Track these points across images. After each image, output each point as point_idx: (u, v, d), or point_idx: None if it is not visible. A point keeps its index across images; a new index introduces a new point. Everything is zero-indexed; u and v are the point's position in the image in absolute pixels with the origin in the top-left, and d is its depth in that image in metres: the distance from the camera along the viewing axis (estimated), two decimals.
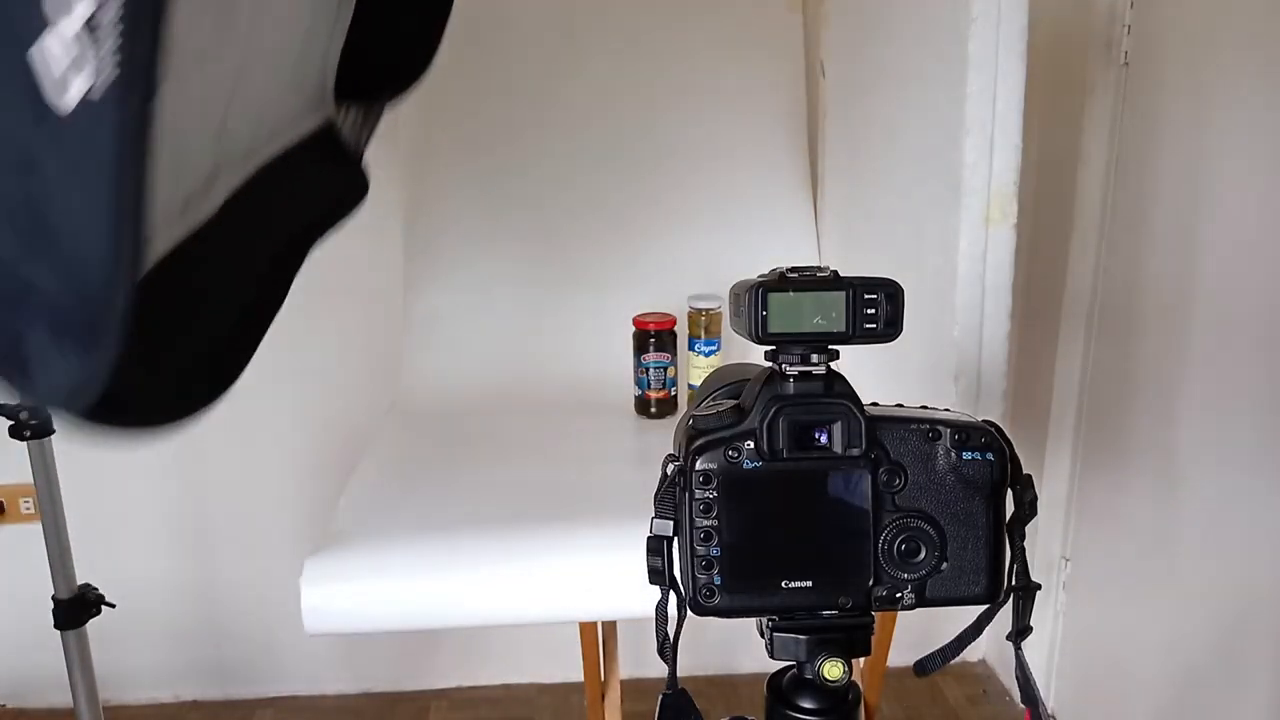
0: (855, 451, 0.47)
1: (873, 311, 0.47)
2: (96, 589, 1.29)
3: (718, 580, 0.48)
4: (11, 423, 1.21)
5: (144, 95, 0.40)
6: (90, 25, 0.39)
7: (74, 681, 1.27)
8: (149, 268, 0.49)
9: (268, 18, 0.70)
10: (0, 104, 0.43)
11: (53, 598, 1.26)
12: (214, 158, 0.65)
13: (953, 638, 0.55)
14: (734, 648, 1.78)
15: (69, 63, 0.40)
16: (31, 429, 1.20)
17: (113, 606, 1.30)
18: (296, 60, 0.78)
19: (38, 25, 0.40)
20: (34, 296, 0.47)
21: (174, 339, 0.57)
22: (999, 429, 0.49)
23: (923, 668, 0.56)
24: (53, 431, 1.23)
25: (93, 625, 1.29)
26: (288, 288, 0.74)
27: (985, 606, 0.51)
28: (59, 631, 1.26)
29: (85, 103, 0.41)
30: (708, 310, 1.24)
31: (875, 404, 0.50)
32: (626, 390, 1.26)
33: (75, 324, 0.47)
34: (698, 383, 1.24)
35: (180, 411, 0.59)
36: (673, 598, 0.49)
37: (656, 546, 0.49)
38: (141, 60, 0.40)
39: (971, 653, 1.85)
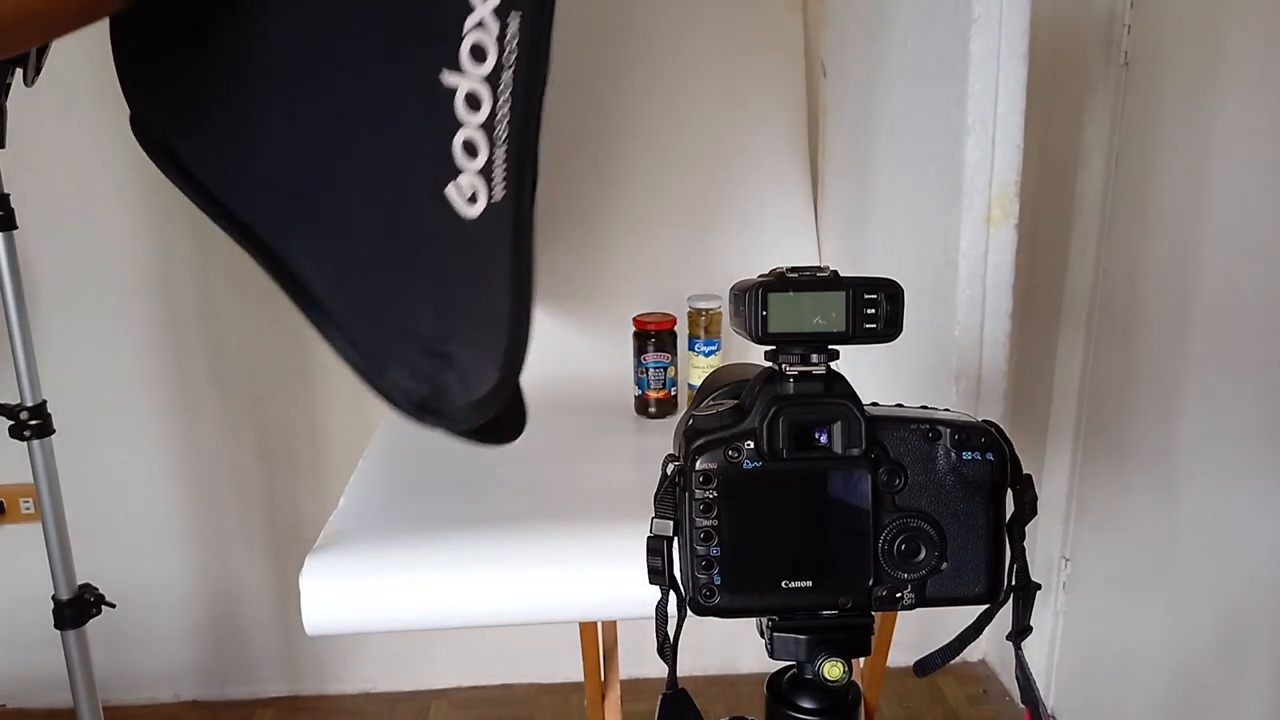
0: (855, 451, 0.47)
1: (873, 311, 0.47)
2: (97, 589, 1.29)
3: (718, 580, 0.48)
4: (12, 423, 1.21)
5: (528, 188, 0.66)
6: (484, 170, 0.65)
7: (74, 682, 1.27)
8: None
9: None
10: (430, 238, 0.66)
11: (53, 598, 1.26)
12: None
13: (953, 638, 0.55)
14: (734, 648, 1.78)
15: (471, 191, 0.65)
16: (32, 429, 1.20)
17: (113, 606, 1.30)
18: None
19: (452, 172, 0.64)
20: (449, 359, 0.68)
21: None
22: (999, 429, 0.49)
23: (923, 668, 0.56)
24: (53, 431, 1.23)
25: (93, 625, 1.29)
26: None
27: (985, 606, 0.51)
28: (59, 631, 1.26)
29: (490, 208, 0.65)
30: (708, 310, 1.24)
31: (875, 404, 0.50)
32: (626, 390, 1.26)
33: (484, 357, 0.68)
34: (698, 383, 1.24)
35: (516, 433, 0.78)
36: (673, 598, 0.49)
37: (656, 546, 0.49)
38: (525, 175, 0.65)
39: (971, 653, 1.85)
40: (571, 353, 1.36)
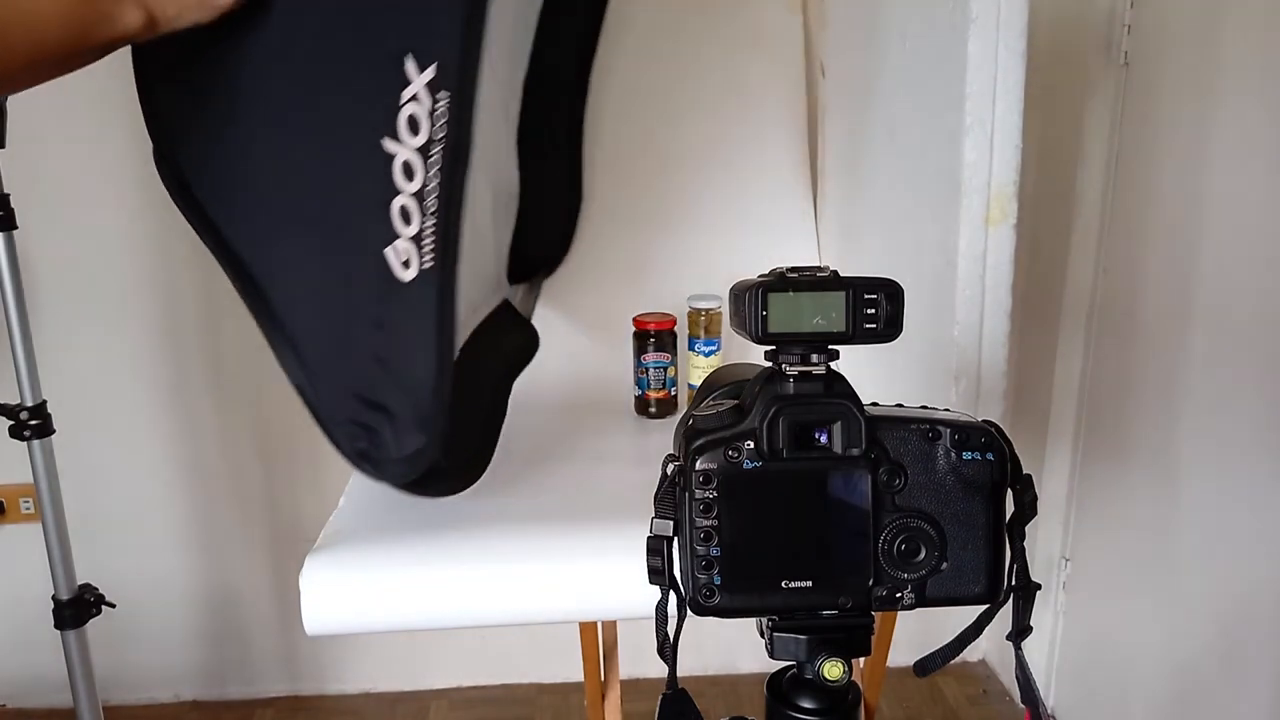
0: (855, 451, 0.47)
1: (873, 311, 0.47)
2: (97, 589, 1.29)
3: (718, 580, 0.48)
4: (12, 423, 1.21)
5: (451, 263, 0.71)
6: (415, 238, 0.72)
7: (74, 682, 1.27)
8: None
9: (478, 241, 1.06)
10: (368, 283, 0.73)
11: (53, 598, 1.26)
12: (465, 311, 0.95)
13: (953, 638, 0.55)
14: (734, 648, 1.78)
15: (405, 256, 0.72)
16: (32, 429, 1.20)
17: (112, 606, 1.30)
18: (489, 260, 1.16)
19: (391, 236, 0.72)
20: (386, 412, 0.77)
21: (463, 422, 0.81)
22: (999, 429, 0.49)
23: (923, 668, 0.56)
24: (53, 431, 1.23)
25: (93, 625, 1.29)
26: (507, 399, 1.03)
27: (985, 606, 0.51)
28: (59, 631, 1.26)
29: (420, 275, 0.72)
30: (708, 310, 1.24)
31: (875, 404, 0.50)
32: (626, 390, 1.26)
33: (414, 420, 0.76)
34: (698, 383, 1.24)
35: (470, 477, 0.87)
36: (673, 598, 0.49)
37: (656, 546, 0.49)
38: (449, 249, 0.71)
39: (971, 653, 1.85)
40: (571, 353, 1.36)
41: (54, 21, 0.68)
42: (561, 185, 1.36)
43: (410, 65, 0.69)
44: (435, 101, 0.70)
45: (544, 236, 1.35)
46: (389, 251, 0.72)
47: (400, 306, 0.74)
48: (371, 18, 0.72)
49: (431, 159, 0.70)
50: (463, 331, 0.98)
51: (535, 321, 1.37)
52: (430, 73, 0.69)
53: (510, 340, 1.14)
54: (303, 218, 0.79)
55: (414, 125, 0.70)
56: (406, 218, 0.71)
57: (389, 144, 0.71)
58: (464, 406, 0.85)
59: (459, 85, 0.70)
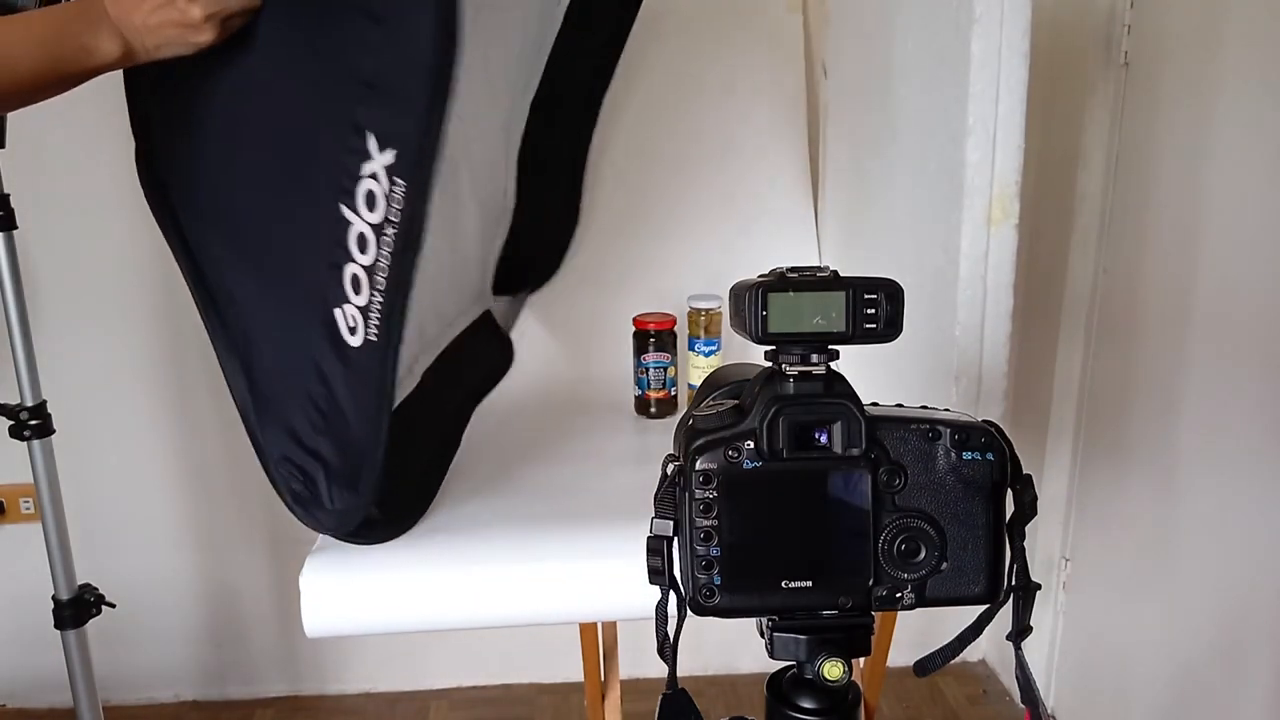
0: (855, 451, 0.47)
1: (873, 311, 0.47)
2: (97, 589, 1.29)
3: (718, 580, 0.48)
4: (12, 423, 1.21)
5: (394, 344, 0.72)
6: (363, 309, 0.73)
7: (74, 681, 1.27)
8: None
9: (459, 256, 1.12)
10: (316, 335, 0.75)
11: (53, 598, 1.26)
12: (417, 350, 1.00)
13: (953, 638, 0.55)
14: (734, 648, 1.78)
15: (353, 323, 0.73)
16: (32, 429, 1.20)
17: (112, 606, 1.30)
18: (472, 273, 1.18)
19: (341, 298, 0.73)
20: (321, 460, 0.79)
21: (400, 477, 0.82)
22: (999, 429, 0.49)
23: (923, 668, 0.56)
24: (53, 431, 1.23)
25: (93, 625, 1.29)
26: (464, 428, 1.06)
27: (985, 606, 0.51)
28: (59, 631, 1.26)
29: (365, 344, 0.73)
30: (708, 310, 1.24)
31: (875, 404, 0.50)
32: (626, 390, 1.26)
33: (347, 477, 0.78)
34: (698, 383, 1.24)
35: (406, 525, 0.87)
36: (673, 598, 0.49)
37: (656, 546, 0.49)
38: (392, 329, 0.72)
39: (971, 653, 1.85)
40: (571, 353, 1.36)
41: (30, 54, 0.69)
42: (559, 205, 1.35)
43: (372, 143, 0.70)
44: (393, 186, 0.70)
45: (536, 253, 1.34)
46: (338, 312, 0.74)
47: (343, 368, 0.75)
48: (344, 85, 0.71)
49: (384, 239, 0.71)
50: (431, 351, 1.05)
51: (536, 320, 1.37)
52: (388, 157, 0.69)
53: (479, 364, 1.15)
54: (266, 253, 0.80)
55: (371, 201, 0.71)
56: (357, 287, 0.73)
57: (347, 211, 0.72)
58: (406, 460, 0.86)
59: (413, 177, 0.69)
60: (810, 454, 0.47)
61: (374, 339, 0.73)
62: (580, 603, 0.84)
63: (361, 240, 0.72)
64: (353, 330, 0.74)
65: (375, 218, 0.71)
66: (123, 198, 1.54)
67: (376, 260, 0.71)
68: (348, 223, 0.72)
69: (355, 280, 0.73)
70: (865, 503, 0.48)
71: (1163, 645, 1.34)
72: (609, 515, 0.87)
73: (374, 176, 0.70)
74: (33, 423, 1.21)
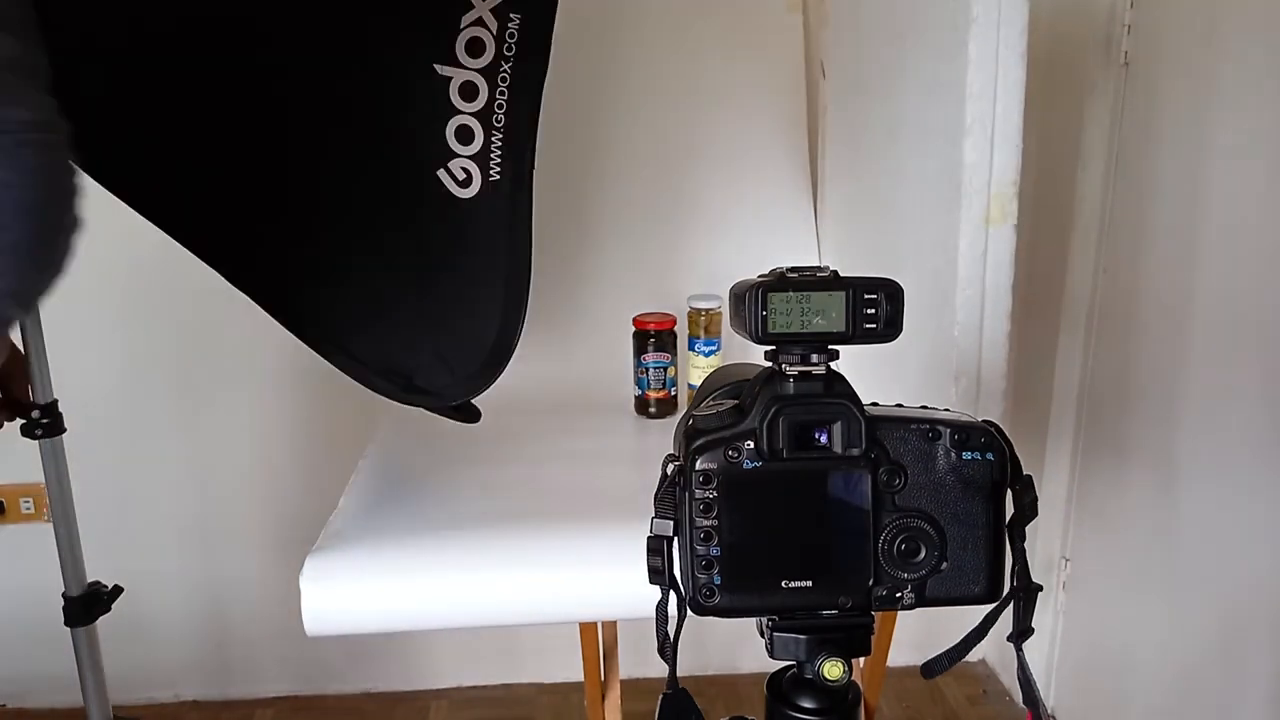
0: (855, 451, 0.47)
1: (873, 311, 0.47)
2: (105, 586, 1.29)
3: (718, 580, 0.48)
4: (23, 422, 1.21)
5: (525, 185, 0.76)
6: (476, 158, 0.74)
7: (84, 678, 1.27)
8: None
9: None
10: (420, 207, 0.75)
11: (63, 595, 1.26)
12: None
13: (959, 640, 0.55)
14: (734, 648, 1.78)
15: (465, 175, 0.74)
16: (43, 428, 1.20)
17: (121, 590, 1.29)
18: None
19: (446, 155, 0.74)
20: (439, 342, 0.79)
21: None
22: (999, 429, 0.49)
23: (930, 670, 0.56)
24: (64, 430, 1.23)
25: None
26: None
27: (987, 607, 0.51)
28: (68, 629, 1.26)
29: (484, 189, 0.74)
30: (708, 310, 1.24)
31: (875, 404, 0.50)
32: (626, 390, 1.26)
33: (472, 350, 0.79)
34: (698, 383, 1.24)
35: (478, 415, 0.91)
36: (673, 597, 0.49)
37: (656, 546, 0.49)
38: (519, 168, 0.74)
39: (972, 653, 1.84)
40: (571, 353, 1.36)
41: None
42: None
43: None
44: (505, 23, 0.73)
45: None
46: (443, 173, 0.76)
47: (457, 226, 0.77)
48: None
49: (500, 77, 0.74)
50: None
51: (536, 320, 1.37)
52: None
53: None
54: (323, 161, 0.79)
55: (476, 48, 0.73)
56: (467, 137, 0.75)
57: (443, 69, 0.73)
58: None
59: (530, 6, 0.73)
60: (810, 454, 0.48)
61: (495, 179, 0.75)
62: (580, 603, 0.84)
63: (468, 89, 0.74)
64: (465, 183, 0.76)
65: (483, 61, 0.73)
66: None
67: (491, 99, 0.74)
68: (446, 79, 0.73)
69: (463, 131, 0.75)
70: (865, 503, 0.48)
71: (1163, 645, 1.34)
72: (609, 515, 0.87)
73: (478, 22, 0.73)
74: (44, 421, 1.21)
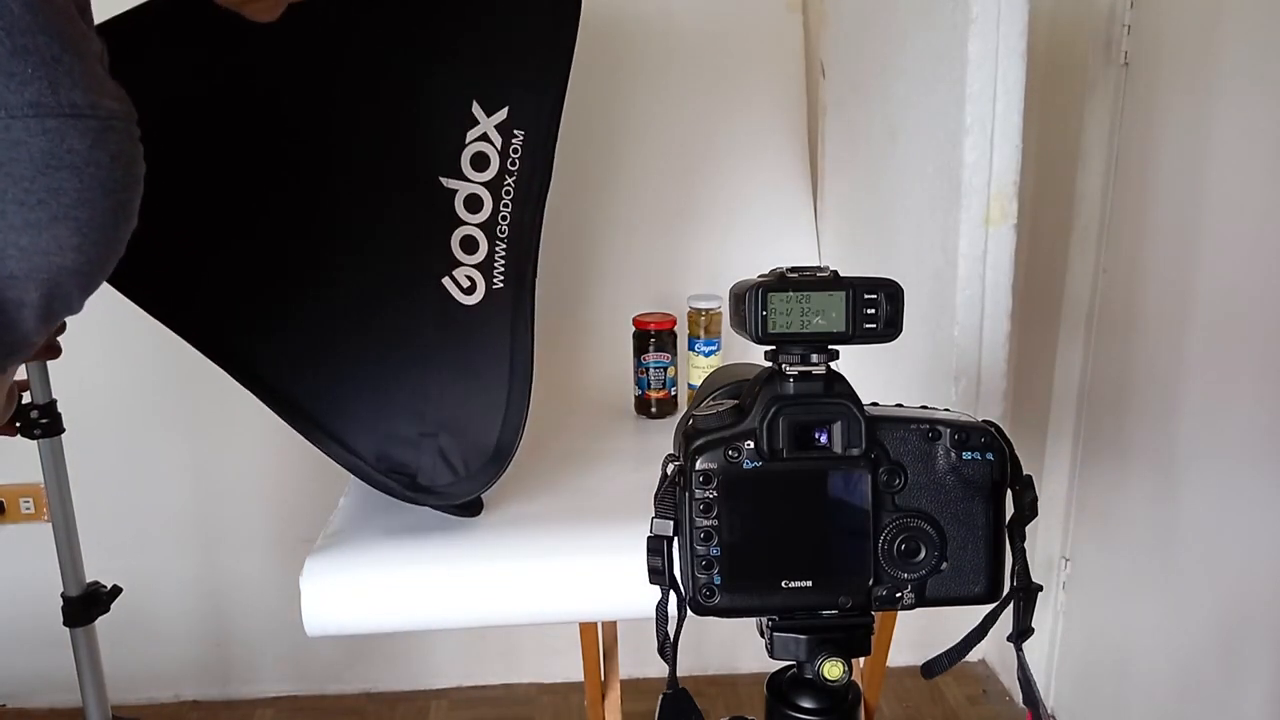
0: (855, 451, 0.47)
1: (873, 311, 0.47)
2: (104, 586, 1.29)
3: (718, 580, 0.48)
4: (21, 422, 1.21)
5: (527, 292, 0.79)
6: (480, 266, 0.77)
7: (83, 679, 1.27)
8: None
9: None
10: (423, 313, 0.77)
11: (62, 595, 1.26)
12: None
13: (959, 640, 0.55)
14: (734, 648, 1.78)
15: (469, 283, 0.77)
16: (42, 428, 1.20)
17: (120, 590, 1.29)
18: None
19: (451, 264, 0.77)
20: (440, 441, 0.80)
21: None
22: (999, 429, 0.49)
23: (930, 670, 0.56)
24: (63, 430, 1.23)
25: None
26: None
27: (987, 607, 0.51)
28: (67, 629, 1.26)
29: (488, 296, 0.77)
30: (708, 310, 1.24)
31: (875, 404, 0.50)
32: (626, 390, 1.26)
33: (478, 457, 0.80)
34: (698, 383, 1.24)
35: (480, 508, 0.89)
36: (673, 597, 0.49)
37: (656, 546, 0.49)
38: (522, 275, 0.78)
39: (972, 653, 1.85)
40: (571, 353, 1.36)
41: None
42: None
43: (477, 108, 0.77)
44: (509, 139, 0.77)
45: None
46: (447, 281, 0.79)
47: (461, 330, 0.79)
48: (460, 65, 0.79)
49: (504, 190, 0.78)
50: None
51: (536, 320, 1.37)
52: (501, 115, 0.77)
53: None
54: (328, 262, 0.82)
55: (481, 162, 0.77)
56: (471, 247, 0.78)
57: (448, 182, 0.77)
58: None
59: (534, 124, 0.77)
60: (810, 454, 0.48)
61: (498, 287, 0.78)
62: (580, 602, 0.84)
63: (472, 201, 0.77)
64: (469, 290, 0.78)
65: (487, 175, 0.77)
66: None
67: (495, 211, 0.77)
68: (451, 193, 0.76)
69: (468, 241, 0.77)
70: (865, 503, 0.48)
71: (1163, 645, 1.34)
72: (609, 515, 0.87)
73: (483, 138, 0.76)
74: (43, 421, 1.21)
